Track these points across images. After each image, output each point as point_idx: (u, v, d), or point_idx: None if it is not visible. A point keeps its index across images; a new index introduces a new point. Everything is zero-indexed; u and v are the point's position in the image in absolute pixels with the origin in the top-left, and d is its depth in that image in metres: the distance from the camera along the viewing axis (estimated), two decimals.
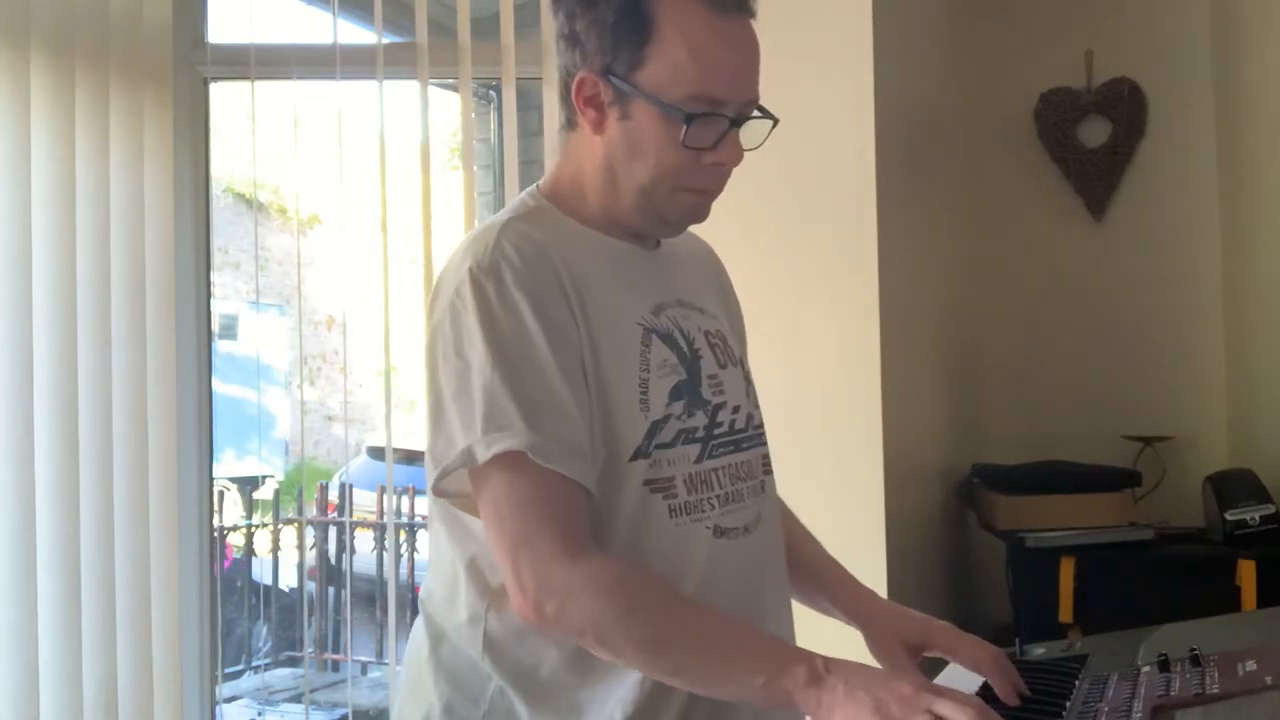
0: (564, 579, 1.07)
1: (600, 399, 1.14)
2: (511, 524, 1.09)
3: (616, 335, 1.17)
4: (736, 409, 1.26)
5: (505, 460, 1.08)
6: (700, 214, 1.24)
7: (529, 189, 1.28)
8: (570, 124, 1.23)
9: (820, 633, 1.32)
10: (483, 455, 1.08)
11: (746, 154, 1.19)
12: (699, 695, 1.13)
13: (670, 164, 1.16)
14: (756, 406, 1.32)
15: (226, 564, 6.32)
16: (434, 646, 1.21)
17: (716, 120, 1.15)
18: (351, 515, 6.23)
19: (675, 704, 1.15)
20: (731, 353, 1.30)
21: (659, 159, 1.16)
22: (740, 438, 1.25)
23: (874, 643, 1.33)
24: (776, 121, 1.21)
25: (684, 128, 1.14)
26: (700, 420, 1.20)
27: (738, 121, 1.17)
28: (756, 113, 1.19)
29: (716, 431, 1.22)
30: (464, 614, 1.18)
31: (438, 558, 1.24)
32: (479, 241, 1.16)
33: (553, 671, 1.15)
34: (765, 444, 1.31)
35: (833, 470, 2.25)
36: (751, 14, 1.18)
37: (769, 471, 1.31)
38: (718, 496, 1.20)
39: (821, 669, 1.03)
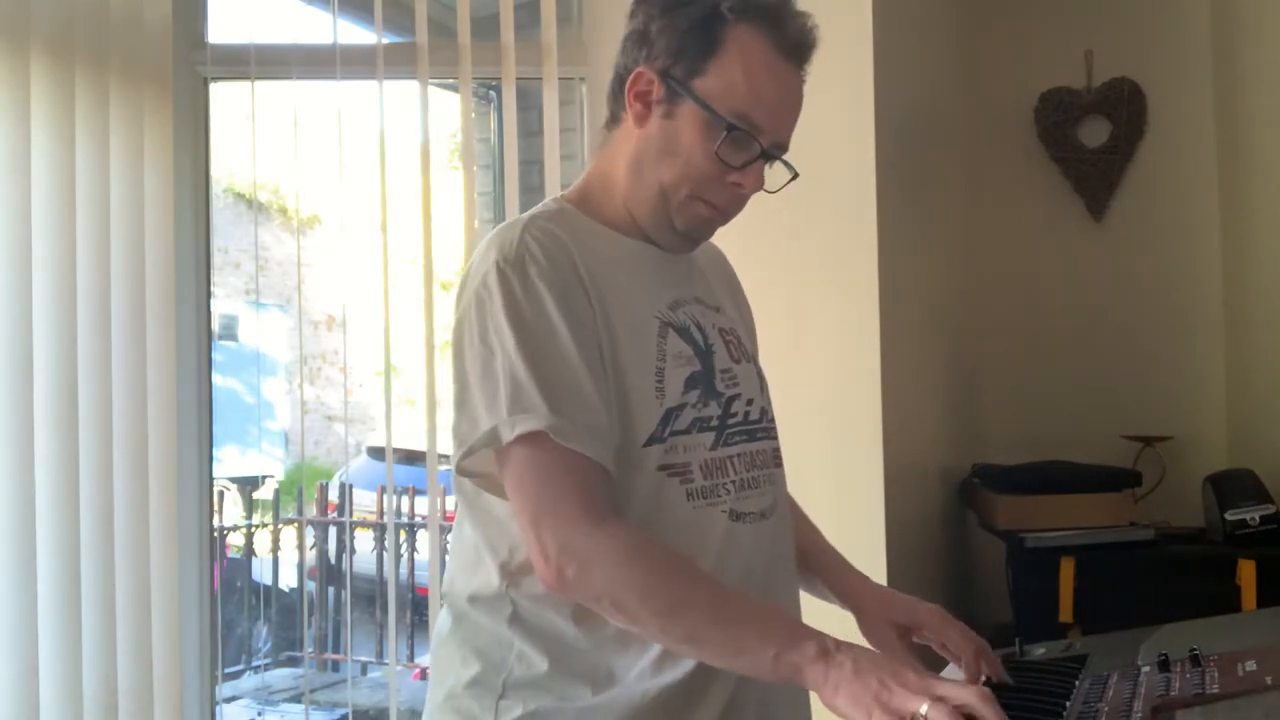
0: (585, 544, 1.12)
1: (617, 386, 1.19)
2: (534, 494, 1.14)
3: (634, 327, 1.22)
4: (750, 401, 1.31)
5: (528, 440, 1.13)
6: (707, 230, 1.31)
7: (552, 196, 1.34)
8: (614, 120, 1.29)
9: (824, 623, 1.32)
10: (507, 435, 1.14)
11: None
12: (718, 670, 1.16)
13: (696, 170, 1.23)
14: (769, 401, 1.37)
15: (226, 565, 6.31)
16: (455, 624, 1.26)
17: (750, 143, 1.22)
18: (351, 515, 6.23)
19: (692, 672, 1.18)
20: (745, 349, 1.35)
21: (688, 161, 1.23)
22: (754, 428, 1.30)
23: (866, 626, 1.38)
24: (796, 175, 1.28)
25: (721, 136, 1.21)
26: (714, 410, 1.25)
27: (767, 155, 1.24)
28: (783, 158, 1.27)
29: (731, 421, 1.27)
30: (488, 590, 1.23)
31: (460, 542, 1.29)
32: (504, 236, 1.21)
33: (574, 638, 1.19)
34: (776, 438, 1.36)
35: (833, 470, 2.25)
36: (804, 66, 1.26)
37: (779, 464, 1.35)
38: (733, 482, 1.25)
39: (831, 646, 1.06)
